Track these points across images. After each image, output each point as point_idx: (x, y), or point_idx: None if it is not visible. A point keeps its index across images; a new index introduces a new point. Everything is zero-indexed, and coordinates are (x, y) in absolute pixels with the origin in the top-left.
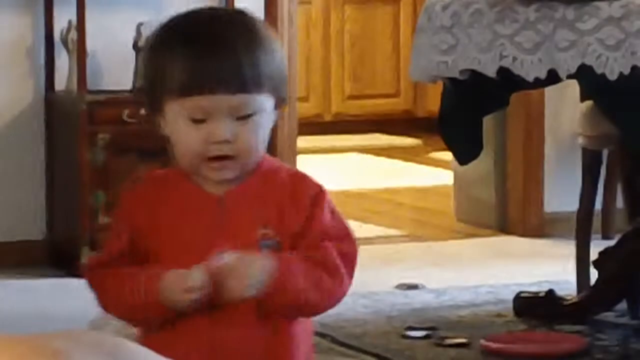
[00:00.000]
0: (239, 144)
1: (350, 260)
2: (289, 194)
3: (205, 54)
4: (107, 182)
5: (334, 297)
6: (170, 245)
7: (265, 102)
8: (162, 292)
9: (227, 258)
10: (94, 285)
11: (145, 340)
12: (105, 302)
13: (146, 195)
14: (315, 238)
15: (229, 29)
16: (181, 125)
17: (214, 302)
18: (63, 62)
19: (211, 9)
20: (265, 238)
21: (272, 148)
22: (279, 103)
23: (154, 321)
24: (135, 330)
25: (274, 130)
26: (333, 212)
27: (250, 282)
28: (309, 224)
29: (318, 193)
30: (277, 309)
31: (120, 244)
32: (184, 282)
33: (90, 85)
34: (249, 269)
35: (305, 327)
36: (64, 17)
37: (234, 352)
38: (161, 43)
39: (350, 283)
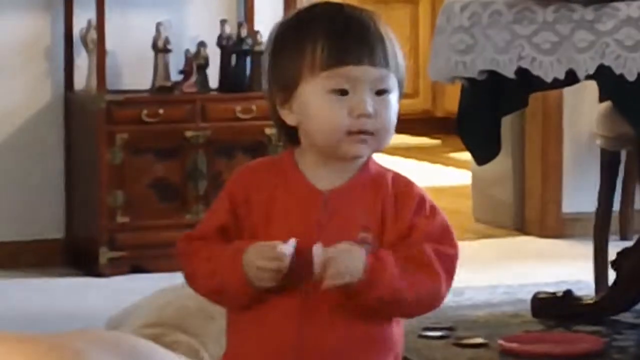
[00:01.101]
0: (379, 120)
1: (449, 262)
2: (393, 201)
3: (347, 30)
4: (125, 181)
5: (431, 297)
6: (269, 232)
7: (394, 82)
8: (245, 261)
9: (321, 249)
10: (183, 259)
11: (232, 329)
12: (192, 277)
13: (259, 174)
14: (416, 241)
15: (360, 14)
16: (322, 99)
17: (305, 291)
18: (82, 61)
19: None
20: (364, 242)
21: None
22: (400, 96)
23: (236, 300)
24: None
25: None
26: (433, 213)
27: (347, 270)
28: (410, 232)
29: (420, 201)
30: (371, 303)
31: (219, 220)
32: (269, 251)
33: (109, 84)
34: (348, 256)
35: (395, 333)
36: (83, 16)
37: (319, 353)
38: (295, 28)
39: (449, 285)
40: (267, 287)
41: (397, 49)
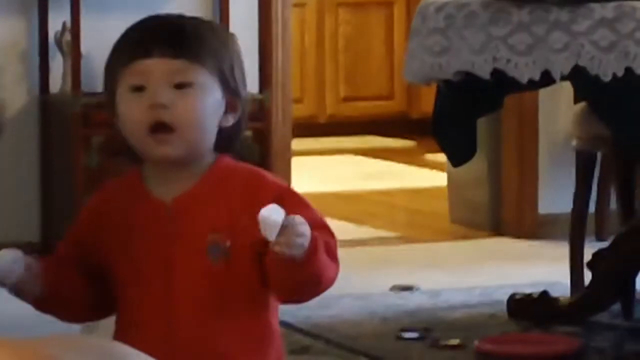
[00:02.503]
0: (178, 112)
1: (334, 251)
2: (244, 196)
3: (146, 27)
4: (101, 184)
5: (330, 283)
6: (123, 260)
7: (207, 79)
8: None
9: (276, 213)
10: None
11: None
12: None
13: (99, 208)
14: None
15: (180, 18)
16: (124, 98)
17: (165, 288)
18: (57, 64)
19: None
20: (214, 243)
21: (266, 149)
22: (232, 97)
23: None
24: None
25: (268, 132)
26: (305, 205)
27: (299, 243)
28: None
29: (283, 192)
30: (302, 280)
31: (64, 251)
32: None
33: (85, 87)
34: (300, 228)
35: (273, 325)
36: (58, 19)
37: (191, 352)
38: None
39: (337, 272)
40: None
41: (220, 43)
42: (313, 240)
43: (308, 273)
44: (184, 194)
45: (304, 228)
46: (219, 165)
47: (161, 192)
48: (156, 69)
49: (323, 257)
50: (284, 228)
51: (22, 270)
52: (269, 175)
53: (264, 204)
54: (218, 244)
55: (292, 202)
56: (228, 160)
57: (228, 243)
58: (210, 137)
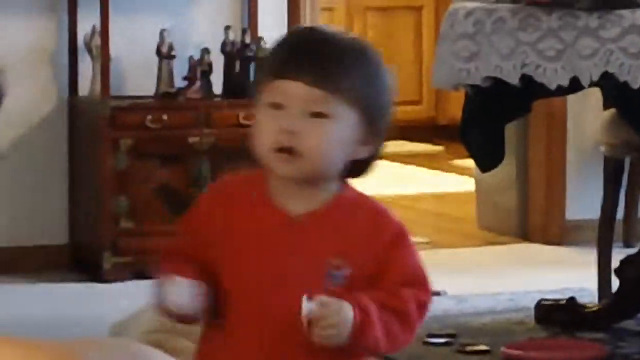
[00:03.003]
0: (306, 140)
1: (424, 309)
2: (369, 229)
3: (299, 46)
4: (129, 187)
5: (399, 344)
6: (231, 258)
7: (345, 112)
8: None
9: (312, 305)
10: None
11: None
12: None
13: (221, 201)
14: (395, 283)
15: (336, 37)
16: (261, 112)
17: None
18: (86, 67)
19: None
20: (335, 268)
21: None
22: (370, 130)
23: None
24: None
25: None
26: (413, 255)
27: (335, 330)
28: (388, 267)
29: (399, 233)
30: (349, 352)
31: (182, 245)
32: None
33: (113, 90)
34: (336, 317)
35: None
36: (87, 22)
37: None
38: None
39: (417, 330)
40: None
41: (368, 79)
42: (359, 322)
43: (359, 347)
44: (312, 212)
45: (337, 318)
46: (345, 195)
47: (285, 205)
48: (296, 93)
49: (377, 332)
50: (316, 319)
51: (197, 302)
52: (391, 213)
53: (383, 242)
54: (339, 269)
55: (402, 248)
56: (353, 190)
57: (349, 271)
58: (336, 167)
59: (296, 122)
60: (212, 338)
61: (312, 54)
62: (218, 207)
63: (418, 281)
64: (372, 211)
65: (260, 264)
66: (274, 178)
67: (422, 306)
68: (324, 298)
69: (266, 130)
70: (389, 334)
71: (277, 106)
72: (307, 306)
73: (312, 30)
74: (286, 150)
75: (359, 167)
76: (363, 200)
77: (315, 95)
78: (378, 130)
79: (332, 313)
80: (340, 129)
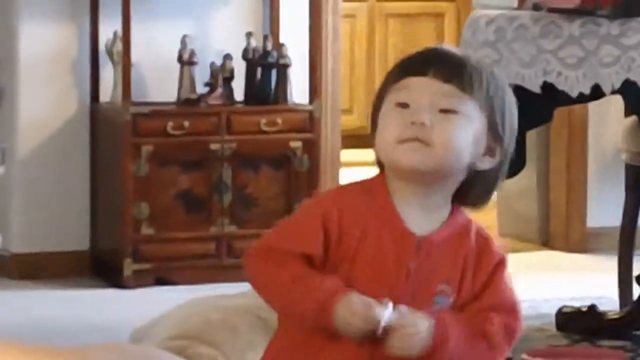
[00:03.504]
0: (435, 132)
1: (512, 334)
2: (475, 256)
3: (426, 51)
4: (150, 193)
5: None
6: (356, 268)
7: (473, 111)
8: (337, 313)
9: (392, 314)
10: (259, 266)
11: (283, 342)
12: (266, 288)
13: (353, 202)
14: (485, 308)
15: (458, 53)
16: (387, 112)
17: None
18: (108, 73)
19: None
20: (442, 294)
21: (315, 160)
22: (494, 142)
23: (309, 326)
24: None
25: (318, 143)
26: (507, 282)
27: (414, 344)
28: (484, 291)
29: (500, 262)
30: None
31: (309, 248)
32: (364, 311)
33: (135, 96)
34: (416, 330)
35: None
36: (109, 28)
37: None
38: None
39: (505, 355)
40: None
41: (499, 95)
42: (438, 337)
43: None
44: (433, 233)
45: (414, 329)
46: (457, 217)
47: (409, 221)
48: (425, 88)
49: (455, 350)
50: (393, 329)
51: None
52: (494, 240)
53: (486, 269)
54: (445, 295)
55: (500, 275)
56: (463, 213)
57: (453, 297)
58: (459, 166)
59: (425, 115)
60: (309, 343)
61: (446, 55)
62: (350, 226)
63: (508, 307)
64: (479, 239)
65: (380, 282)
66: (395, 187)
67: (510, 332)
68: (403, 308)
69: (393, 126)
70: (469, 354)
71: (404, 105)
72: (386, 313)
73: (443, 47)
74: (413, 140)
75: (480, 181)
76: (471, 226)
77: (446, 89)
78: (501, 144)
79: (410, 323)
80: (468, 127)
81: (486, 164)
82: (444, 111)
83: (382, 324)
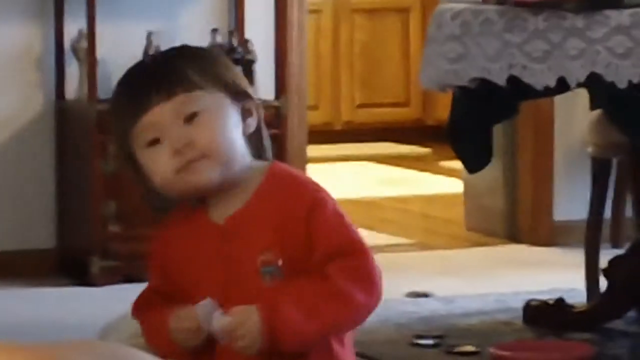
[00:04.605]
0: (199, 143)
1: (362, 274)
2: (285, 211)
3: (131, 81)
4: (118, 191)
5: (354, 317)
6: (187, 281)
7: (210, 99)
8: (170, 327)
9: (220, 316)
10: (138, 322)
11: None
12: (145, 337)
13: (168, 233)
14: (320, 261)
15: (154, 56)
16: (145, 155)
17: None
18: (73, 70)
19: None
20: (266, 264)
21: (282, 156)
22: (243, 103)
23: (181, 356)
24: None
25: (284, 138)
26: (332, 223)
27: (246, 345)
28: (312, 244)
29: (312, 205)
30: (286, 351)
31: (153, 283)
32: (183, 312)
33: (101, 93)
34: (242, 331)
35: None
36: (74, 26)
37: None
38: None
39: (371, 292)
40: (196, 346)
41: (213, 64)
42: (268, 324)
43: (287, 348)
44: (234, 214)
45: (242, 330)
46: (269, 178)
47: (217, 215)
48: (160, 115)
49: (297, 326)
50: (228, 334)
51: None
52: (306, 183)
53: (300, 220)
54: (270, 263)
55: (318, 220)
56: (277, 167)
57: (280, 262)
58: (237, 149)
59: (180, 137)
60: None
61: (149, 77)
62: (166, 244)
63: (343, 249)
64: (289, 189)
65: (207, 283)
66: (201, 197)
67: (357, 273)
68: (232, 311)
69: (161, 163)
70: (319, 317)
71: (155, 140)
72: (216, 323)
73: (134, 66)
74: (188, 164)
75: (258, 141)
76: (284, 180)
77: (175, 103)
78: (249, 99)
79: (237, 326)
80: (217, 115)
81: (252, 125)
82: (190, 117)
83: (215, 326)
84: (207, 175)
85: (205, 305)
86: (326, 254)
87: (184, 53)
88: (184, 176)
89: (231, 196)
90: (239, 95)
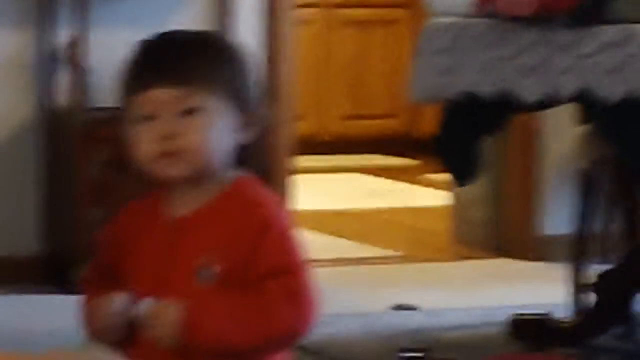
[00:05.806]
0: (184, 137)
1: (297, 296)
2: (239, 222)
3: (150, 52)
4: (104, 198)
5: (273, 335)
6: (127, 266)
7: (214, 102)
8: (89, 313)
9: (142, 308)
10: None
11: None
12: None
13: (126, 217)
14: (261, 276)
15: (186, 36)
16: (135, 126)
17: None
18: (64, 78)
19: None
20: (203, 267)
21: (268, 166)
22: (246, 113)
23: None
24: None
25: (271, 148)
26: (281, 243)
27: (161, 334)
28: (255, 259)
29: (266, 223)
30: (199, 351)
31: (99, 258)
32: (104, 308)
33: (91, 102)
34: (156, 322)
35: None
36: (64, 33)
37: None
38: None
39: (296, 316)
40: (111, 335)
41: (231, 68)
42: (188, 323)
43: (199, 344)
44: (188, 213)
45: (157, 321)
46: (233, 191)
47: (175, 210)
48: (162, 99)
49: (217, 332)
50: (146, 322)
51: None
52: (264, 204)
53: (250, 234)
54: (208, 267)
55: (268, 238)
56: (246, 181)
57: (218, 268)
58: (220, 157)
59: (171, 124)
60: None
61: (166, 57)
62: (116, 234)
63: (286, 269)
64: (246, 204)
65: (148, 273)
66: (165, 186)
67: (293, 293)
68: (152, 301)
69: (145, 141)
70: (242, 327)
71: (149, 117)
72: (140, 308)
73: (162, 35)
74: (168, 154)
75: (250, 153)
76: (245, 195)
77: (180, 93)
78: (252, 112)
79: (155, 314)
80: (214, 119)
81: (245, 138)
82: (187, 112)
83: (139, 311)
84: (176, 172)
85: (122, 298)
86: (263, 272)
87: (211, 53)
88: (160, 164)
89: (193, 196)
90: (243, 106)
